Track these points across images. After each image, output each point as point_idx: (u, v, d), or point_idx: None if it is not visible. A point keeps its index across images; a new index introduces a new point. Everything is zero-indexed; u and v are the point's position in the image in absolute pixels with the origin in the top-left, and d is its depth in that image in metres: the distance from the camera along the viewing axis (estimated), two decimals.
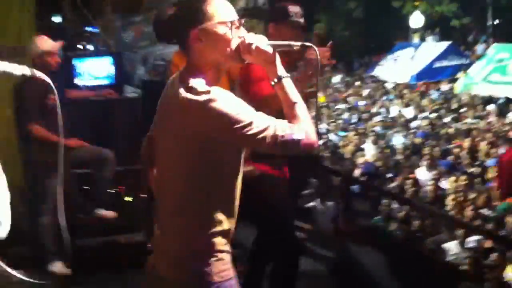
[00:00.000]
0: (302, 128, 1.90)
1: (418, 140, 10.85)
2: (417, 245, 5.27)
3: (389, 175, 8.84)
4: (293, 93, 1.96)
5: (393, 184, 8.32)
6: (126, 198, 4.84)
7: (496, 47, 15.57)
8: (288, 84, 1.96)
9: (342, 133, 12.18)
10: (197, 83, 1.88)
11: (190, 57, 1.98)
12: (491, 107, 13.19)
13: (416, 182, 8.13)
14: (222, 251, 2.00)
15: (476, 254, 5.78)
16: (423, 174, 8.76)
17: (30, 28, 5.32)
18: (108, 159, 4.46)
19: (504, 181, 7.40)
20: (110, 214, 4.59)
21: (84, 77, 5.22)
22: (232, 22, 1.95)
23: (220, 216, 1.98)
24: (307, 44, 2.02)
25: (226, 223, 2.00)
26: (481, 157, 9.34)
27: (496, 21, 23.73)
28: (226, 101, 1.85)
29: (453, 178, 7.91)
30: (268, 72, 1.99)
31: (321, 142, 10.72)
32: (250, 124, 1.84)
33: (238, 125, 1.83)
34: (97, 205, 4.56)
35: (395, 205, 7.26)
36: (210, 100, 1.83)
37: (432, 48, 17.98)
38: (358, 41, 26.57)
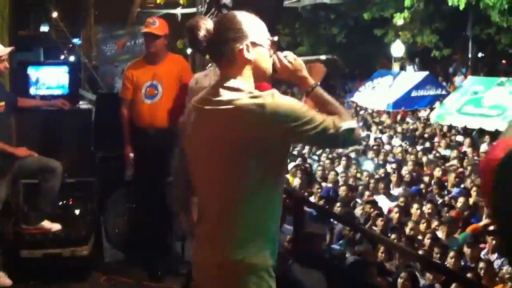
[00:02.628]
0: (349, 119, 2.04)
1: (389, 167, 10.88)
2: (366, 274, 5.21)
3: (358, 199, 8.83)
4: (327, 96, 2.13)
5: (358, 209, 8.30)
6: (74, 211, 4.74)
7: (471, 79, 15.83)
8: (320, 89, 2.14)
9: (315, 156, 12.18)
10: (254, 89, 2.03)
11: (232, 70, 2.08)
12: (464, 139, 13.30)
13: (377, 207, 8.11)
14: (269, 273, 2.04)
15: None
16: (386, 200, 8.77)
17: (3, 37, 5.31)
18: (56, 170, 4.36)
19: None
20: (55, 226, 4.49)
21: (38, 86, 5.14)
22: (271, 39, 2.14)
23: (274, 227, 2.07)
24: (333, 57, 2.33)
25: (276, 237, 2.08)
26: (449, 187, 9.37)
27: (478, 55, 24.11)
28: (287, 98, 1.99)
29: (416, 206, 7.90)
30: (300, 83, 2.17)
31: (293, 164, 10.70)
32: (312, 118, 1.96)
33: (306, 118, 1.95)
34: (42, 216, 4.45)
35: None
36: (268, 101, 1.94)
37: (410, 78, 18.20)
38: (344, 64, 26.71)
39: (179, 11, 18.52)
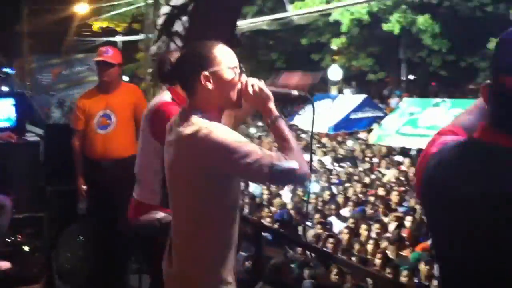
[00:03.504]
0: (295, 158, 2.03)
1: (335, 188, 11.05)
2: None
3: (307, 222, 8.89)
4: (286, 130, 2.13)
5: (310, 232, 8.35)
6: (24, 247, 4.55)
7: (407, 101, 16.33)
8: (282, 123, 2.14)
9: None
10: (198, 119, 2.05)
11: (195, 99, 2.12)
12: (403, 158, 13.68)
13: (328, 229, 8.21)
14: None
15: None
16: (336, 221, 8.88)
17: None
18: (5, 207, 4.18)
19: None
20: (5, 264, 4.28)
21: None
22: (237, 68, 2.14)
23: (228, 252, 2.15)
24: (304, 94, 2.36)
25: (231, 261, 2.16)
26: (393, 206, 9.59)
27: (410, 77, 25.03)
28: (225, 133, 2.01)
29: (364, 226, 8.03)
30: (264, 112, 2.16)
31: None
32: (248, 153, 1.97)
33: (238, 154, 1.96)
34: None
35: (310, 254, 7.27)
36: (210, 132, 1.98)
37: (349, 100, 18.60)
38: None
39: (119, 38, 18.30)
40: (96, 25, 20.16)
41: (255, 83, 2.15)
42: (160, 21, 6.09)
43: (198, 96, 2.10)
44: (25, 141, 4.98)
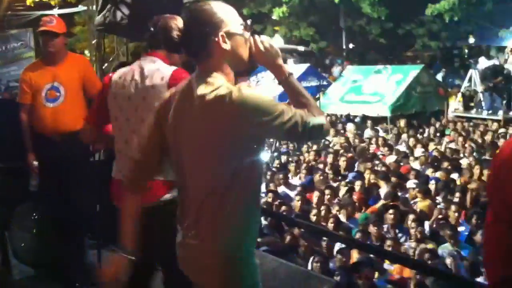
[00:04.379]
0: (319, 113, 2.07)
1: (283, 157, 11.15)
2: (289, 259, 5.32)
3: None
4: (300, 87, 2.16)
5: (262, 200, 8.42)
6: None
7: (350, 69, 16.61)
8: (295, 79, 2.18)
9: None
10: (223, 81, 2.01)
11: (210, 62, 2.05)
12: (349, 125, 13.94)
13: (280, 197, 8.30)
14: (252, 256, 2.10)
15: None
16: (287, 190, 8.99)
17: None
18: None
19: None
20: None
21: None
22: (245, 24, 2.11)
23: (256, 218, 2.13)
24: (311, 49, 2.17)
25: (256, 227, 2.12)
26: (342, 172, 9.78)
27: (350, 45, 25.36)
28: (255, 93, 1.97)
29: (317, 193, 8.16)
30: (275, 69, 2.17)
31: None
32: (281, 112, 1.95)
33: (272, 115, 1.94)
34: None
35: (264, 222, 7.35)
36: (242, 93, 1.93)
37: (292, 70, 18.68)
38: None
39: (55, 11, 17.64)
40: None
41: (264, 40, 2.14)
42: None
43: (214, 59, 2.05)
44: None
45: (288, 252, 6.34)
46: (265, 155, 11.34)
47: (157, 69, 2.93)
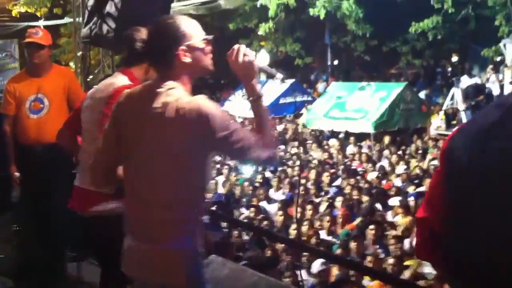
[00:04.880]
0: (270, 143, 2.15)
1: (267, 172, 11.18)
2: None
3: (240, 206, 8.98)
4: (265, 113, 2.23)
5: (243, 215, 8.44)
6: None
7: (334, 85, 16.74)
8: (262, 104, 2.23)
9: None
10: (181, 92, 2.10)
11: (170, 73, 2.14)
12: (332, 141, 14.02)
13: (262, 212, 8.33)
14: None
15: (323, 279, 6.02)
16: (268, 204, 9.03)
17: None
18: None
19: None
20: None
21: None
22: (208, 39, 2.21)
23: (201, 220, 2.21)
24: (284, 77, 2.49)
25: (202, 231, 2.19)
26: (324, 187, 9.84)
27: (335, 62, 25.57)
28: (215, 106, 2.07)
29: (298, 209, 8.18)
30: (248, 87, 2.23)
31: None
32: (236, 130, 2.04)
33: (227, 131, 2.02)
34: None
35: (246, 237, 7.37)
36: (201, 104, 2.03)
37: (277, 85, 18.80)
38: (208, 76, 27.05)
39: (41, 23, 17.60)
40: (15, 10, 19.30)
41: (247, 54, 2.22)
42: (90, 2, 5.94)
43: (174, 70, 2.14)
44: None
45: (269, 267, 6.36)
46: (248, 170, 11.39)
47: (107, 84, 3.03)
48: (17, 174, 4.45)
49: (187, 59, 2.13)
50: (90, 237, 3.16)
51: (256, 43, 24.49)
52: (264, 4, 20.27)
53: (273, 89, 18.24)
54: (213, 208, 7.83)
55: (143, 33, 2.18)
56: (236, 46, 2.23)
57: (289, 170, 11.02)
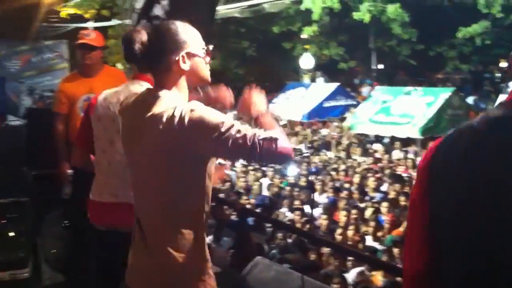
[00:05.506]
0: (277, 133, 1.99)
1: (311, 176, 11.12)
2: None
3: (284, 209, 8.95)
4: (271, 121, 2.13)
5: (287, 218, 8.41)
6: (8, 232, 4.46)
7: (380, 89, 16.53)
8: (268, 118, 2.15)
9: (236, 169, 12.21)
10: (175, 99, 2.05)
11: (167, 79, 2.09)
12: (377, 146, 13.86)
13: (306, 215, 8.28)
14: (209, 274, 2.11)
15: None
16: (312, 208, 8.96)
17: None
18: None
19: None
20: None
21: None
22: (207, 48, 2.16)
23: (202, 234, 2.09)
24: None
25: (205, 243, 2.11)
26: (369, 193, 9.72)
27: (379, 66, 25.31)
28: (206, 109, 1.99)
29: (344, 213, 8.12)
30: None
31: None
32: (232, 126, 1.93)
33: (222, 129, 1.92)
34: None
35: (289, 240, 7.34)
36: (192, 110, 1.96)
37: (321, 89, 18.74)
38: (252, 79, 27.15)
39: (90, 24, 17.98)
40: (64, 12, 19.79)
41: (260, 106, 2.16)
42: (139, 5, 6.01)
43: (171, 76, 2.10)
44: (7, 126, 4.88)
45: (311, 270, 6.31)
46: (292, 173, 11.36)
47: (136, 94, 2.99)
48: (68, 171, 4.54)
49: (185, 66, 2.09)
50: (105, 250, 3.10)
51: (300, 46, 24.49)
52: (308, 7, 20.24)
53: (317, 92, 18.18)
54: (258, 210, 7.84)
55: (143, 35, 2.12)
56: (246, 92, 2.18)
57: (333, 174, 10.93)
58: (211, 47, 2.17)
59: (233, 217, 7.06)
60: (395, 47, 23.24)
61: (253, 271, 4.10)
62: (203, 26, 6.13)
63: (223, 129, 1.93)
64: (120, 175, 2.90)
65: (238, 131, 1.93)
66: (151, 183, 2.07)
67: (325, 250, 6.68)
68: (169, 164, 2.00)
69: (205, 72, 2.16)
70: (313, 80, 23.63)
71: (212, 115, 1.96)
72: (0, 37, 18.79)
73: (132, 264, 2.17)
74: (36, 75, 18.12)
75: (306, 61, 23.74)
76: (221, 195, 8.78)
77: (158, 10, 5.62)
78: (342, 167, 11.56)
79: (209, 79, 2.19)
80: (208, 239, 6.83)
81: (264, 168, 11.59)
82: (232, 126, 1.94)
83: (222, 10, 16.89)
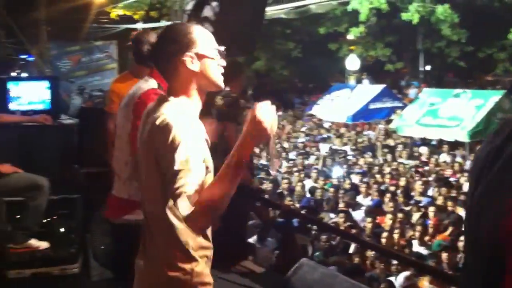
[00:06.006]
0: (209, 208, 1.86)
1: (355, 178, 11.03)
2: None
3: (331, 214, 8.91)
4: (237, 178, 1.90)
5: (331, 220, 8.37)
6: (59, 228, 4.58)
7: (427, 91, 16.22)
8: (241, 167, 1.91)
9: (281, 170, 12.22)
10: (169, 108, 1.95)
11: (176, 82, 2.01)
12: (423, 149, 13.62)
13: (351, 218, 8.21)
14: (207, 283, 1.99)
15: None
16: (356, 211, 8.90)
17: None
18: (44, 187, 4.22)
19: None
20: (43, 244, 4.33)
21: (19, 101, 4.97)
22: (219, 50, 2.05)
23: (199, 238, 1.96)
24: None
25: (207, 248, 2.00)
26: (416, 196, 9.57)
27: (427, 67, 24.85)
28: (182, 133, 1.86)
29: (390, 216, 8.02)
30: (244, 149, 1.90)
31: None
32: (189, 170, 1.83)
33: (172, 162, 1.83)
34: (29, 234, 4.29)
35: (333, 242, 7.30)
36: (169, 126, 1.87)
37: (367, 90, 18.52)
38: (297, 80, 27.14)
39: (139, 25, 18.30)
40: (114, 13, 20.20)
41: (267, 109, 1.91)
42: (189, 6, 6.09)
43: (180, 78, 2.01)
44: (60, 124, 5.00)
45: (356, 274, 6.26)
46: (337, 173, 11.30)
47: (136, 88, 3.04)
48: None
49: (194, 66, 1.98)
50: (117, 244, 3.13)
51: (346, 47, 24.29)
52: (355, 8, 20.05)
53: (363, 94, 17.99)
54: (302, 212, 7.82)
55: (151, 36, 2.07)
56: (256, 105, 1.91)
57: (378, 177, 10.81)
58: (222, 48, 2.07)
59: (278, 219, 7.08)
60: (443, 49, 22.77)
61: (298, 273, 4.08)
62: (251, 26, 6.16)
63: (174, 168, 1.84)
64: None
65: (184, 181, 1.83)
66: (147, 186, 2.03)
67: (370, 253, 6.62)
68: (156, 171, 1.94)
69: (216, 75, 2.04)
70: (358, 81, 23.43)
71: (181, 146, 1.84)
72: (52, 38, 19.34)
73: (137, 273, 2.12)
74: (86, 75, 18.62)
75: (352, 62, 23.55)
76: (265, 196, 8.80)
77: (207, 11, 5.68)
78: (387, 169, 11.42)
79: (221, 83, 2.07)
80: (253, 239, 6.89)
81: (307, 170, 11.55)
82: (189, 170, 1.83)
83: (268, 11, 16.91)
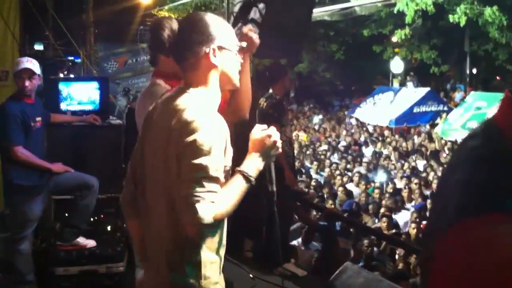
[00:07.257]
0: (219, 213, 1.80)
1: (398, 182, 10.89)
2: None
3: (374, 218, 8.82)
4: (238, 195, 1.89)
5: (375, 224, 8.28)
6: (106, 227, 4.69)
7: (474, 95, 15.90)
8: (243, 181, 1.91)
9: (323, 173, 12.16)
10: (197, 104, 1.87)
11: (196, 75, 1.95)
12: None
13: (393, 222, 8.11)
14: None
15: None
16: (400, 215, 8.77)
17: (14, 54, 5.42)
18: (93, 187, 4.33)
19: None
20: (90, 242, 4.44)
21: (69, 101, 5.10)
22: (240, 45, 2.04)
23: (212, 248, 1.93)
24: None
25: (219, 252, 1.96)
26: None
27: (474, 70, 24.32)
28: (208, 137, 1.79)
29: None
30: (251, 162, 1.93)
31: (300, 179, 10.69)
32: (205, 167, 1.76)
33: (199, 168, 1.76)
34: (77, 233, 4.40)
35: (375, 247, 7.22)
36: (199, 128, 1.79)
37: (411, 93, 18.26)
38: (339, 82, 26.95)
39: None
40: (160, 15, 20.52)
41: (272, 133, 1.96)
42: (236, 8, 6.13)
43: (200, 71, 1.94)
44: (108, 124, 5.12)
45: (400, 279, 6.18)
46: (380, 179, 11.16)
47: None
48: None
49: (216, 60, 1.93)
50: None
51: (390, 49, 23.97)
52: (401, 10, 19.77)
53: (407, 97, 17.75)
54: (345, 215, 7.77)
55: (174, 22, 2.00)
56: (272, 131, 1.95)
57: (422, 182, 10.62)
58: (244, 44, 2.05)
59: (321, 222, 7.05)
60: (491, 51, 22.23)
61: (342, 277, 4.06)
62: (299, 28, 6.15)
63: (198, 167, 1.76)
64: None
65: (204, 191, 1.75)
66: (154, 190, 1.98)
67: (414, 259, 6.52)
68: (171, 173, 1.85)
69: (235, 72, 2.01)
70: (402, 84, 23.10)
71: (205, 148, 1.77)
72: (99, 40, 19.74)
73: (139, 282, 2.16)
74: (131, 76, 18.85)
75: (396, 65, 23.24)
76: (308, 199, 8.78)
77: (254, 14, 5.71)
78: (432, 174, 11.22)
79: (238, 82, 2.03)
80: (297, 241, 6.87)
81: (349, 173, 11.46)
82: (208, 173, 1.76)
83: (312, 13, 16.87)
